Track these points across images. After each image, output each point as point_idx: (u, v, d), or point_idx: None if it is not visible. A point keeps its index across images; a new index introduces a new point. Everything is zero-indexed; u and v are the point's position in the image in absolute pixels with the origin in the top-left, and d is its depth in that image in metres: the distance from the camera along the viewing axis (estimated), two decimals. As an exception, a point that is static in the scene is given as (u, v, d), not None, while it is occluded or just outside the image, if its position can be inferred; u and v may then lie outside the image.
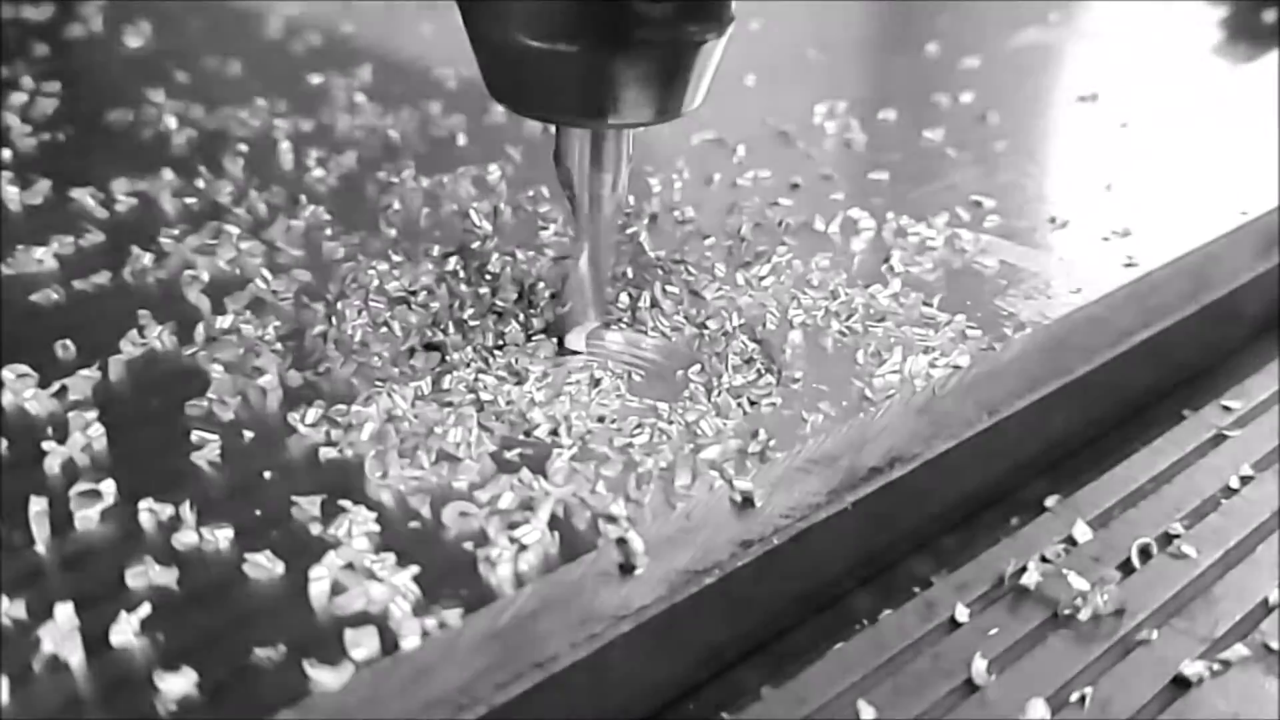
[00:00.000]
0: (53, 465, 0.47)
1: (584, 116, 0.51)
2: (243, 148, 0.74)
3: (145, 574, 0.42)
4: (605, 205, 0.54)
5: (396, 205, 0.68)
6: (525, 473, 0.46)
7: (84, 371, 0.52)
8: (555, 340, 0.56)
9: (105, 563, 0.42)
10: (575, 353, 0.55)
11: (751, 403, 0.52)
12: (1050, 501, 0.56)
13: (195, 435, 0.49)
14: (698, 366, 0.54)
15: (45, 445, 0.48)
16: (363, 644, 0.39)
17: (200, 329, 0.55)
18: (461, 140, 0.77)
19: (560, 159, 0.53)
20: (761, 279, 0.60)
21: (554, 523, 0.44)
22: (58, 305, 0.58)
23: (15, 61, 0.86)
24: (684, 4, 0.49)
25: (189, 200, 0.68)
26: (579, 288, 0.55)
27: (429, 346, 0.55)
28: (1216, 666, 0.47)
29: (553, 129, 0.54)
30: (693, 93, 0.51)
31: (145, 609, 0.40)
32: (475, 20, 0.51)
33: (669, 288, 0.59)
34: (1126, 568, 0.52)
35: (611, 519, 0.44)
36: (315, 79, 0.85)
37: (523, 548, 0.43)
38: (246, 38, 0.94)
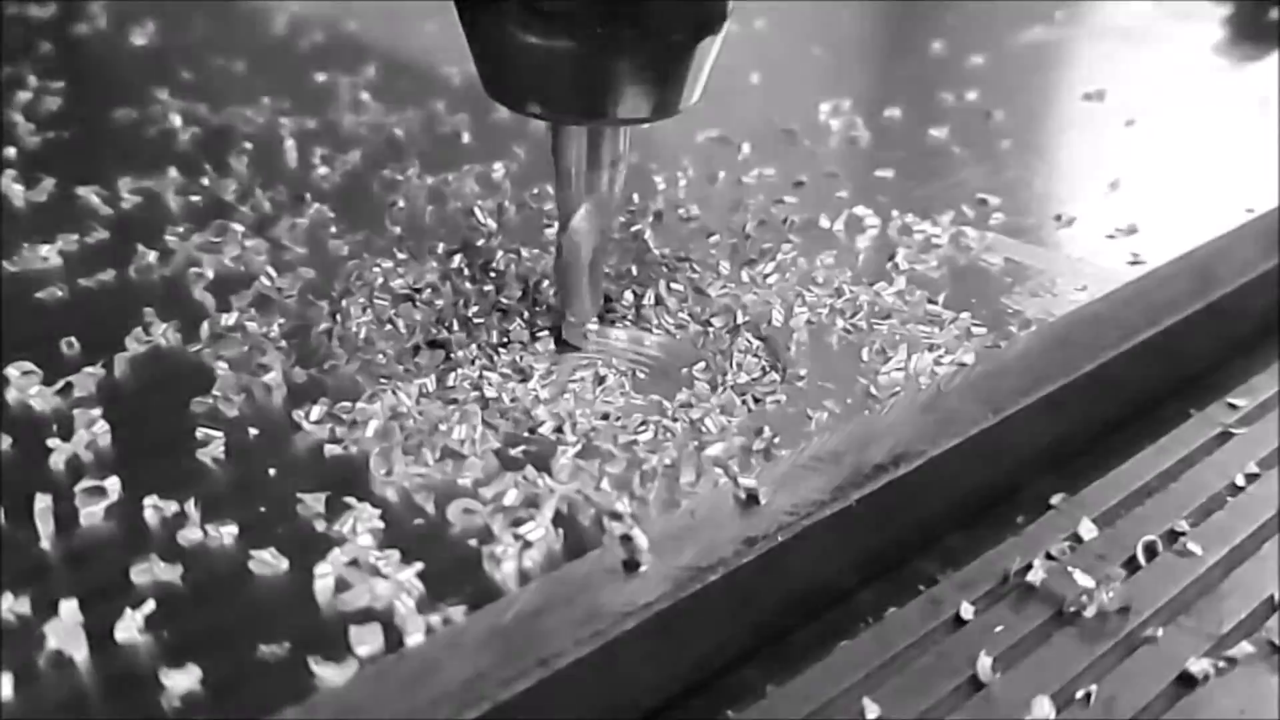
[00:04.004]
0: (57, 462, 0.47)
1: (581, 114, 0.51)
2: (248, 145, 0.74)
3: (150, 570, 0.42)
4: (602, 202, 0.54)
5: (401, 203, 0.68)
6: (530, 470, 0.46)
7: (89, 368, 0.52)
8: (553, 337, 0.56)
9: (110, 559, 0.43)
10: (573, 348, 0.55)
11: (756, 400, 0.52)
12: (1055, 499, 0.56)
13: (200, 432, 0.49)
14: (702, 364, 0.54)
15: (50, 442, 0.48)
16: (367, 641, 0.39)
17: (205, 326, 0.55)
18: (466, 138, 0.77)
19: (558, 156, 0.53)
20: (766, 276, 0.60)
21: (558, 520, 0.44)
22: (63, 302, 0.58)
23: (20, 59, 0.86)
24: (680, 1, 0.49)
25: (194, 198, 0.68)
26: (568, 282, 0.55)
27: (433, 344, 0.55)
28: (1222, 664, 0.47)
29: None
30: (690, 89, 0.51)
31: (150, 605, 0.40)
32: (471, 18, 0.51)
33: (674, 285, 0.59)
34: (1132, 565, 0.52)
35: (616, 516, 0.44)
36: (320, 77, 0.85)
37: (527, 545, 0.43)
38: (251, 36, 0.94)
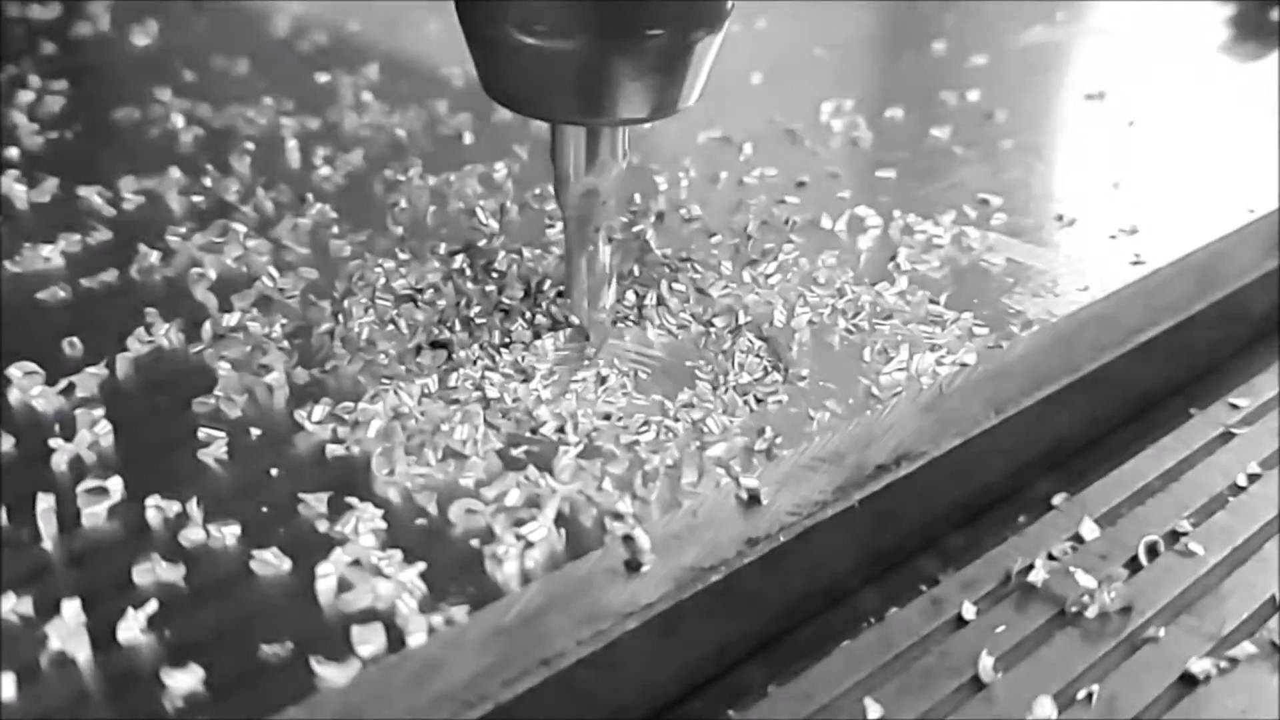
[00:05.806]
0: (60, 462, 0.47)
1: (579, 114, 0.51)
2: (250, 146, 0.74)
3: (152, 571, 0.42)
4: (601, 202, 0.54)
5: (403, 203, 0.68)
6: (532, 470, 0.46)
7: (91, 369, 0.52)
8: (560, 336, 0.56)
9: (112, 559, 0.43)
10: (582, 349, 0.55)
11: (758, 400, 0.52)
12: (1057, 499, 0.56)
13: (202, 432, 0.49)
14: (704, 364, 0.54)
15: (52, 442, 0.48)
16: (369, 641, 0.39)
17: (207, 326, 0.55)
18: (468, 138, 0.77)
19: (556, 156, 0.53)
20: (768, 277, 0.60)
21: (560, 520, 0.44)
22: (65, 303, 0.58)
23: (23, 60, 0.86)
24: (680, 1, 0.49)
25: (196, 198, 0.68)
26: (574, 283, 0.55)
27: (435, 344, 0.55)
28: (1224, 664, 0.47)
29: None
30: (688, 89, 0.51)
31: (152, 606, 0.40)
32: (471, 18, 0.51)
33: (675, 285, 0.59)
34: (1134, 565, 0.52)
35: (618, 516, 0.45)
36: (322, 77, 0.85)
37: (529, 545, 0.43)
38: (253, 36, 0.94)
